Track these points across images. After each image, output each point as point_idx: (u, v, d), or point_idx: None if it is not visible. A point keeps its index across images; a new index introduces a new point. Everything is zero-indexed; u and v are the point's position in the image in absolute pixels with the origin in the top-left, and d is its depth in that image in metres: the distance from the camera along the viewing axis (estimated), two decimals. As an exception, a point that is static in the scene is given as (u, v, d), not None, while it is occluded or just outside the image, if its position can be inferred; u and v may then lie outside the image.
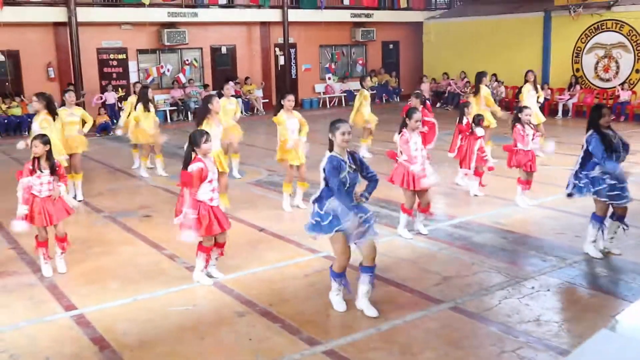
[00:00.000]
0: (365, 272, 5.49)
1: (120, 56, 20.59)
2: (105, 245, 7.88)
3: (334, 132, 5.32)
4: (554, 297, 5.94)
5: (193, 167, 6.05)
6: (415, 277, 6.48)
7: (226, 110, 11.07)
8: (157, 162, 12.11)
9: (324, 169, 5.32)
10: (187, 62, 21.84)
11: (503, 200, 9.46)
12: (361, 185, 5.50)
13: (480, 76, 12.11)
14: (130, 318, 5.70)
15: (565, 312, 5.66)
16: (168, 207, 9.59)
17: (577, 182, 6.78)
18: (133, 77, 20.69)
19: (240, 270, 6.78)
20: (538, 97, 13.03)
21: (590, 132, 6.65)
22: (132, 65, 20.78)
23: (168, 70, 21.41)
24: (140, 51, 20.91)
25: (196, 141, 6.11)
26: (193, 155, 6.13)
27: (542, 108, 14.17)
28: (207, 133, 6.19)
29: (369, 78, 14.20)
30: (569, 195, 6.89)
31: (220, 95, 10.88)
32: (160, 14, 20.07)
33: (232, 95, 11.75)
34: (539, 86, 13.32)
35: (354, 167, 5.34)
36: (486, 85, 12.35)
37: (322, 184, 5.38)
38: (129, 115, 12.14)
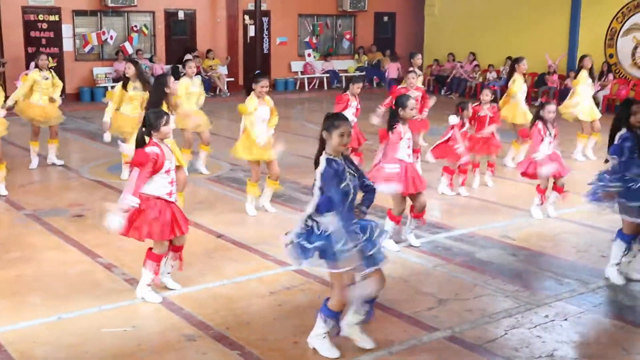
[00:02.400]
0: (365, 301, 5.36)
1: (51, 18, 20.41)
2: (25, 250, 7.82)
3: (329, 131, 5.07)
4: (572, 328, 6.00)
5: (147, 151, 6.05)
6: (405, 298, 6.52)
7: (189, 94, 11.00)
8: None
9: (321, 175, 5.08)
10: (135, 29, 21.72)
11: (514, 210, 9.56)
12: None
13: None
14: (53, 341, 5.64)
15: (586, 347, 5.72)
16: (105, 206, 9.54)
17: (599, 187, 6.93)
18: (67, 44, 20.55)
19: (191, 285, 6.76)
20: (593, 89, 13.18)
21: (624, 130, 6.83)
22: (66, 30, 20.62)
23: (111, 37, 21.29)
24: (77, 13, 20.75)
25: (153, 123, 6.15)
26: (148, 140, 6.18)
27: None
28: (166, 113, 6.27)
29: (419, 55, 14.04)
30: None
31: (175, 73, 10.74)
32: (104, -32, 20.03)
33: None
34: (597, 76, 13.37)
35: (353, 172, 5.15)
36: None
37: (317, 194, 5.11)
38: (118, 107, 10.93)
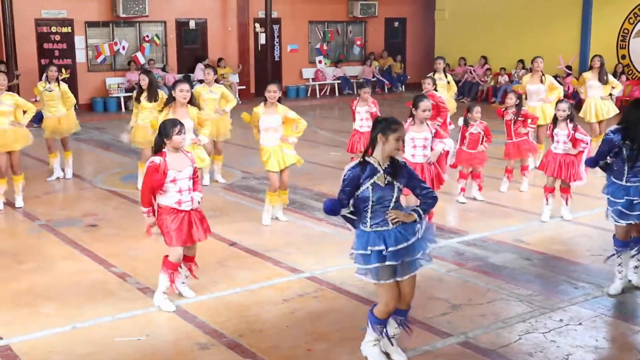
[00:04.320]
0: (397, 314, 5.31)
1: (64, 29, 20.55)
2: (40, 260, 7.86)
3: (387, 135, 4.98)
4: (587, 332, 5.97)
5: (147, 164, 6.23)
6: (418, 304, 6.46)
7: (204, 101, 11.07)
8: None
9: (344, 176, 5.06)
10: (146, 39, 21.83)
11: (528, 214, 9.53)
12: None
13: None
14: (68, 350, 5.67)
15: (601, 351, 5.68)
16: (119, 216, 9.61)
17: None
18: (80, 56, 20.68)
19: (205, 293, 6.79)
20: (613, 89, 12.99)
21: (617, 126, 6.59)
22: (78, 41, 20.75)
23: (123, 48, 21.39)
24: (90, 24, 20.88)
25: (166, 131, 6.22)
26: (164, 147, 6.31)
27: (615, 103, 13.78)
28: (180, 123, 6.30)
29: (439, 60, 14.03)
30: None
31: (188, 80, 10.78)
32: (115, -21, 20.14)
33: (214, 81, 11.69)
34: (611, 76, 13.13)
35: (389, 179, 5.02)
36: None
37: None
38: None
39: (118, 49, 21.30)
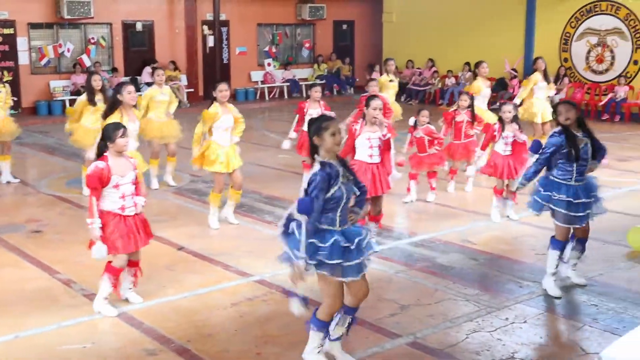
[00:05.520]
0: (347, 313, 5.26)
1: (6, 31, 20.11)
2: (-19, 268, 7.69)
3: (320, 134, 4.94)
4: (532, 330, 6.08)
5: (90, 168, 6.14)
6: (367, 305, 6.46)
7: (156, 103, 10.98)
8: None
9: (312, 179, 4.89)
10: (92, 41, 21.52)
11: (475, 214, 9.66)
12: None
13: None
14: (11, 359, 5.57)
15: (545, 348, 5.80)
16: (63, 221, 9.45)
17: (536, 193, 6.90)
18: (23, 58, 20.28)
19: (152, 298, 6.72)
20: (553, 91, 13.23)
21: (557, 128, 6.77)
22: (21, 43, 20.31)
23: (68, 50, 21.04)
24: (33, 25, 20.48)
25: (109, 135, 6.14)
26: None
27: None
28: (123, 126, 6.24)
29: (391, 61, 14.08)
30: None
31: (135, 82, 10.63)
32: (59, -20, 19.80)
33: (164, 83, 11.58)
34: (551, 78, 13.41)
35: (348, 175, 5.04)
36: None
37: (302, 195, 5.03)
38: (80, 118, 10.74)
39: (63, 51, 20.95)
